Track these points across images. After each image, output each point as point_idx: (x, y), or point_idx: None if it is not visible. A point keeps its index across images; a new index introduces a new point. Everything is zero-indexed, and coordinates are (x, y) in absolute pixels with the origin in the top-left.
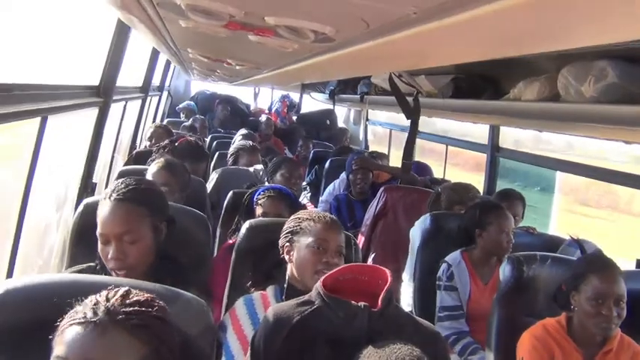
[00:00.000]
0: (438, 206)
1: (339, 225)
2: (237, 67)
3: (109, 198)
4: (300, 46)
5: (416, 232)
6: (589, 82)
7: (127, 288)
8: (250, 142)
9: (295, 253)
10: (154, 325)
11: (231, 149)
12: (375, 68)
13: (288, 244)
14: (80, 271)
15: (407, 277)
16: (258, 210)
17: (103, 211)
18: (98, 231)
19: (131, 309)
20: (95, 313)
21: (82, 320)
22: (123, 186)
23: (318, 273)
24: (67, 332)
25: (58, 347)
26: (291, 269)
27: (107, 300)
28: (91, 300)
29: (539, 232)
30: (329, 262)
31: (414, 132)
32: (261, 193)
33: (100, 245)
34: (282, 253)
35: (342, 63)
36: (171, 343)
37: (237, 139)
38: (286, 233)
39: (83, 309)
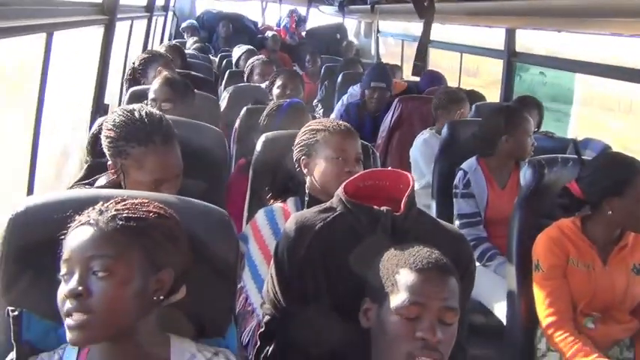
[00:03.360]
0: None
1: (355, 132)
2: None
3: (154, 144)
4: None
5: (415, 151)
6: None
7: (124, 196)
8: (262, 57)
9: (315, 166)
10: (146, 218)
11: (247, 65)
12: None
13: (304, 157)
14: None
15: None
16: None
17: (155, 159)
18: (153, 178)
19: (123, 207)
20: (89, 216)
21: (78, 224)
22: (157, 125)
23: (342, 183)
24: (68, 238)
25: (64, 251)
26: (311, 181)
27: (102, 205)
28: (89, 209)
29: (558, 136)
30: (351, 171)
31: (427, 33)
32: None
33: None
34: (299, 167)
35: None
36: (170, 234)
37: (237, 55)
38: (301, 146)
39: (81, 216)
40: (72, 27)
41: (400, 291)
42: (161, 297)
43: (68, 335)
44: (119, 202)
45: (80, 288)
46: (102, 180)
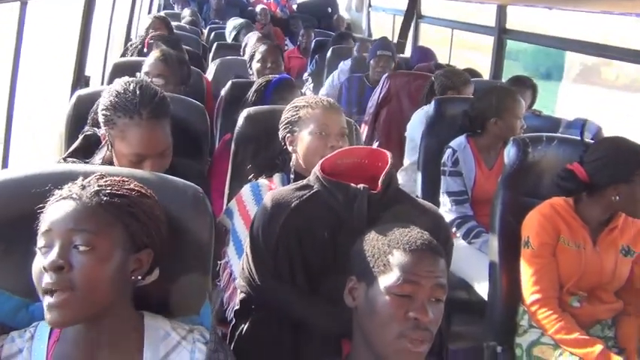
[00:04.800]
0: (434, 95)
1: (338, 107)
2: None
3: (139, 117)
4: None
5: (414, 124)
6: None
7: (103, 173)
8: (257, 33)
9: (299, 143)
10: (129, 196)
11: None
12: None
13: (289, 134)
14: None
15: (407, 161)
16: None
17: (137, 133)
18: (133, 151)
19: (105, 183)
20: (71, 191)
21: (59, 198)
22: (147, 100)
23: None
24: (48, 211)
25: (42, 224)
26: (296, 159)
27: (83, 180)
28: (69, 183)
29: (546, 114)
30: (334, 145)
31: (411, 10)
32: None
33: (127, 163)
34: (285, 145)
35: None
36: (151, 214)
37: (231, 27)
38: (285, 124)
39: (61, 190)
40: None
41: (393, 271)
42: (139, 277)
43: (47, 316)
44: (100, 178)
45: (61, 261)
46: (102, 152)
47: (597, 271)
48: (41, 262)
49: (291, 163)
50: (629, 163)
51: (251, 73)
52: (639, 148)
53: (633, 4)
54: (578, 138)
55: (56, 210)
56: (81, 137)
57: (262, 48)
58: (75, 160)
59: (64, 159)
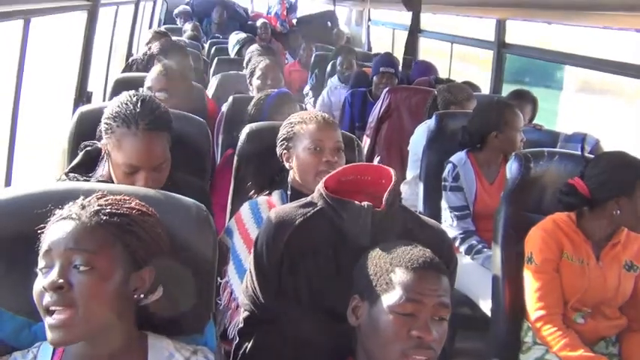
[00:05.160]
0: (436, 109)
1: (334, 122)
2: None
3: (136, 127)
4: None
5: (417, 139)
6: None
7: (104, 191)
8: (257, 46)
9: (294, 159)
10: (129, 215)
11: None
12: None
13: (285, 151)
14: None
15: (409, 175)
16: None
17: (132, 143)
18: (127, 162)
19: (106, 202)
20: (70, 210)
21: (59, 218)
22: (147, 112)
23: (320, 174)
24: (48, 231)
25: (43, 245)
26: (293, 175)
27: (83, 200)
28: (70, 203)
29: (547, 128)
30: (329, 161)
31: (415, 25)
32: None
33: (121, 174)
34: (282, 161)
35: None
36: (152, 232)
37: (234, 42)
38: (281, 140)
39: (62, 210)
40: (51, 13)
41: (396, 289)
42: (141, 295)
43: (49, 335)
44: (101, 198)
45: (61, 280)
46: (102, 165)
47: (601, 287)
48: (41, 282)
49: (288, 179)
50: (629, 177)
51: (251, 89)
52: (639, 162)
53: (633, 19)
54: (579, 152)
55: (56, 230)
56: (82, 153)
57: (262, 64)
58: (76, 175)
59: (66, 174)
